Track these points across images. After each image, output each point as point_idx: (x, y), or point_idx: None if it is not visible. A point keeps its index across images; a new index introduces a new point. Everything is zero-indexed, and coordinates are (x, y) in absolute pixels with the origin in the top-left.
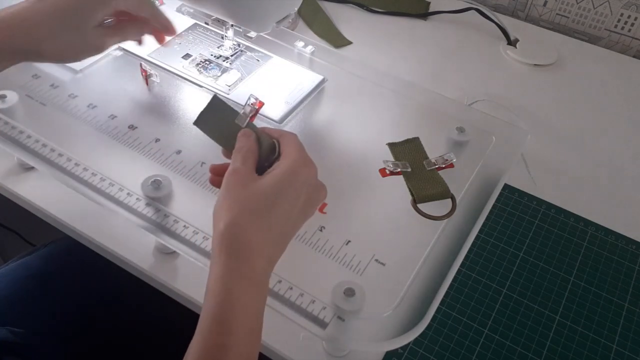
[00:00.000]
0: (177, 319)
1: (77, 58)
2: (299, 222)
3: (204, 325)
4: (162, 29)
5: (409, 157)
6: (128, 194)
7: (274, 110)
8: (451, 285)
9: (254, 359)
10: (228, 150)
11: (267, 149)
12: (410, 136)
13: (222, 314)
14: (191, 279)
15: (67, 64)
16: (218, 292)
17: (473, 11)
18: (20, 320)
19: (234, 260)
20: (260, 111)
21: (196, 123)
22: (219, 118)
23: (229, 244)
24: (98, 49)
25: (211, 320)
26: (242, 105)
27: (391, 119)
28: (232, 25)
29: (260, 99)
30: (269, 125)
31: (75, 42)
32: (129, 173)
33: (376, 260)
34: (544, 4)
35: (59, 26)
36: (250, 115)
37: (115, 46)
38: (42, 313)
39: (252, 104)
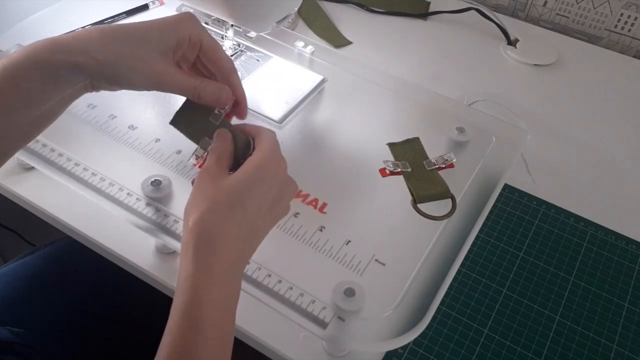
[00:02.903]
0: None
1: (136, 86)
2: (270, 217)
3: (173, 323)
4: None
5: (409, 157)
6: (128, 194)
7: (274, 110)
8: (451, 285)
9: (226, 356)
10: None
11: (243, 147)
12: (410, 136)
13: (191, 311)
14: None
15: None
16: (186, 288)
17: (473, 11)
18: (20, 320)
19: (202, 256)
20: (260, 111)
21: (172, 122)
22: (194, 117)
23: (197, 240)
24: (162, 84)
25: (180, 317)
26: None
27: (391, 119)
28: (232, 25)
29: (258, 98)
30: (268, 126)
31: (138, 69)
32: (129, 173)
33: (376, 260)
34: (544, 4)
35: (123, 46)
36: (225, 113)
37: None
38: (42, 313)
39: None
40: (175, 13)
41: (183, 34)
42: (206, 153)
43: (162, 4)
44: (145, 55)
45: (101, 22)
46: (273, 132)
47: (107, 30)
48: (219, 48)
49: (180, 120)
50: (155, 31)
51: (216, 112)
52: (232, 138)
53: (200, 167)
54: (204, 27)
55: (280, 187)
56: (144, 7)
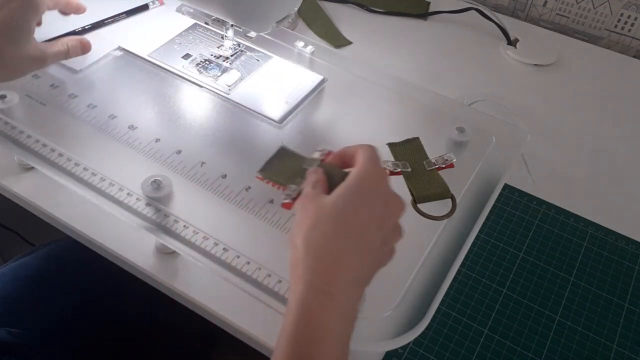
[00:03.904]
0: (177, 318)
1: (16, 74)
2: (379, 236)
3: (283, 349)
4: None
5: (409, 157)
6: (128, 194)
7: (274, 110)
8: (451, 285)
9: None
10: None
11: (339, 179)
12: (410, 136)
13: (301, 336)
14: (191, 279)
15: (67, 64)
16: (295, 309)
17: (473, 11)
18: (19, 321)
19: (312, 274)
20: (260, 111)
21: (262, 172)
22: (285, 165)
23: (304, 259)
24: (40, 61)
25: (290, 343)
26: (244, 107)
27: (391, 119)
28: (232, 25)
29: (258, 98)
30: (268, 126)
31: (15, 58)
32: (129, 173)
33: None
34: (544, 4)
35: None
36: (320, 160)
37: (115, 46)
38: (42, 313)
39: (320, 151)
40: (175, 13)
41: (34, 11)
42: (299, 190)
43: (162, 4)
44: (17, 52)
45: (101, 22)
46: (372, 146)
47: None
48: None
49: (270, 169)
50: (11, 24)
51: (310, 159)
52: (326, 172)
53: (289, 207)
54: None
55: (386, 201)
56: (144, 7)
